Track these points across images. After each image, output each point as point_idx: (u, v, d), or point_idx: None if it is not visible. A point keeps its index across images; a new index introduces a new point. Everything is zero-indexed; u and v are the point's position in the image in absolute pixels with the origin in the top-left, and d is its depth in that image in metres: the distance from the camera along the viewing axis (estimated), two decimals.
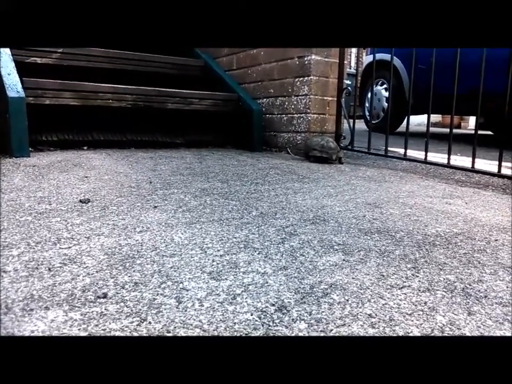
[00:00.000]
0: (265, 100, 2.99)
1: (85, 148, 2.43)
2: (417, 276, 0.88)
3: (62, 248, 0.94)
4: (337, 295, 0.78)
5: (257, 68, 3.05)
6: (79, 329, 0.63)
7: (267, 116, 2.97)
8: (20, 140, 1.99)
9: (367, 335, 0.65)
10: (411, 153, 2.50)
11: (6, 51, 2.32)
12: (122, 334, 0.63)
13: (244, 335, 0.64)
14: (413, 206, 1.49)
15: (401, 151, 2.46)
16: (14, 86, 2.04)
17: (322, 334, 0.65)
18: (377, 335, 0.66)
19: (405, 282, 0.85)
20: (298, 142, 2.71)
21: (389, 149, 2.48)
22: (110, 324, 0.65)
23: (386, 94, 4.61)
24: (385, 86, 4.67)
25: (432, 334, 0.67)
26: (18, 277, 0.79)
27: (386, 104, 4.59)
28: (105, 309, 0.69)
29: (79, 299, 0.72)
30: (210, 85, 3.19)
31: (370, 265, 0.93)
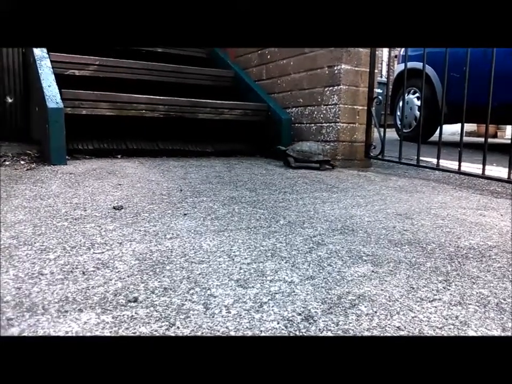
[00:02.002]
0: (294, 109, 3.00)
1: (119, 156, 2.50)
2: (448, 289, 0.86)
3: (96, 253, 0.97)
4: (365, 307, 0.77)
5: (286, 78, 3.06)
6: (110, 332, 0.65)
7: (296, 125, 2.97)
8: (58, 149, 2.08)
9: (369, 335, 0.64)
10: (444, 163, 2.44)
11: (47, 64, 2.44)
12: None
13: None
14: (445, 217, 1.45)
15: (434, 160, 2.41)
16: (54, 97, 2.14)
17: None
18: (377, 334, 0.64)
19: (436, 295, 0.83)
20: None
21: (421, 158, 2.43)
22: (140, 327, 0.67)
23: (418, 102, 4.52)
24: (417, 94, 4.58)
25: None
26: (55, 279, 0.83)
27: (418, 113, 4.50)
28: (135, 313, 0.71)
29: (111, 302, 0.74)
30: (240, 95, 3.24)
31: (400, 277, 0.91)
